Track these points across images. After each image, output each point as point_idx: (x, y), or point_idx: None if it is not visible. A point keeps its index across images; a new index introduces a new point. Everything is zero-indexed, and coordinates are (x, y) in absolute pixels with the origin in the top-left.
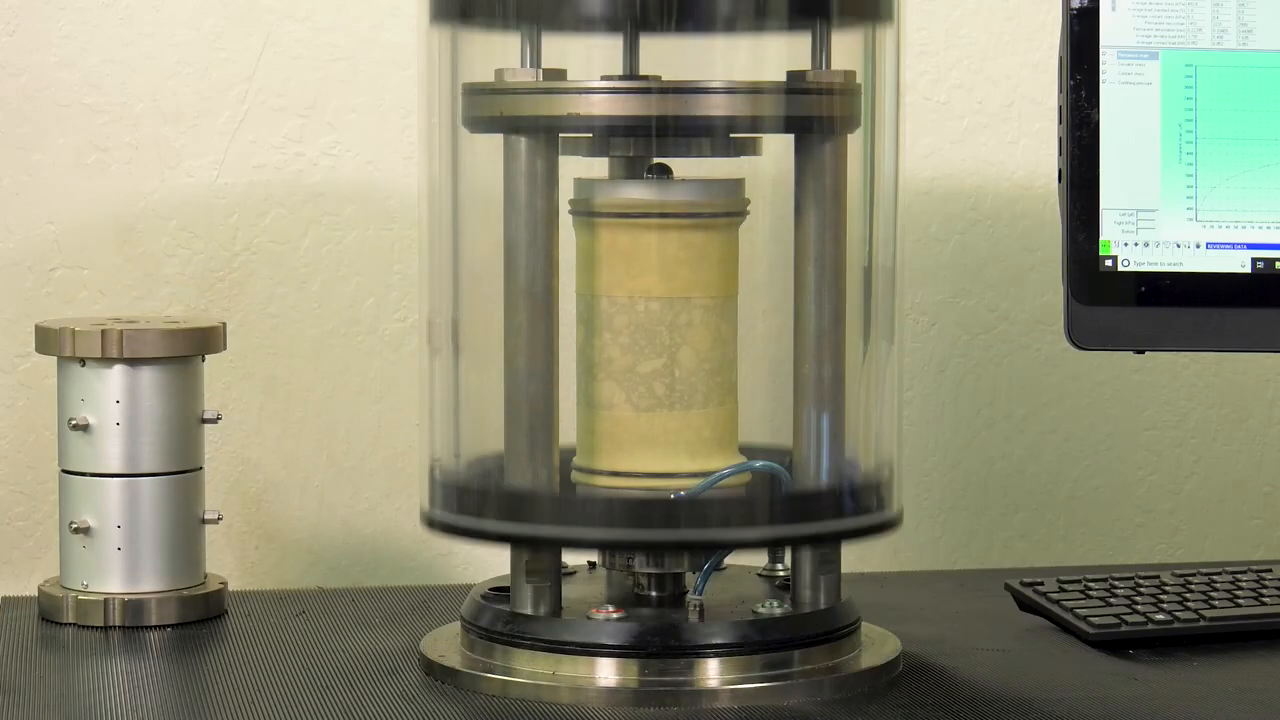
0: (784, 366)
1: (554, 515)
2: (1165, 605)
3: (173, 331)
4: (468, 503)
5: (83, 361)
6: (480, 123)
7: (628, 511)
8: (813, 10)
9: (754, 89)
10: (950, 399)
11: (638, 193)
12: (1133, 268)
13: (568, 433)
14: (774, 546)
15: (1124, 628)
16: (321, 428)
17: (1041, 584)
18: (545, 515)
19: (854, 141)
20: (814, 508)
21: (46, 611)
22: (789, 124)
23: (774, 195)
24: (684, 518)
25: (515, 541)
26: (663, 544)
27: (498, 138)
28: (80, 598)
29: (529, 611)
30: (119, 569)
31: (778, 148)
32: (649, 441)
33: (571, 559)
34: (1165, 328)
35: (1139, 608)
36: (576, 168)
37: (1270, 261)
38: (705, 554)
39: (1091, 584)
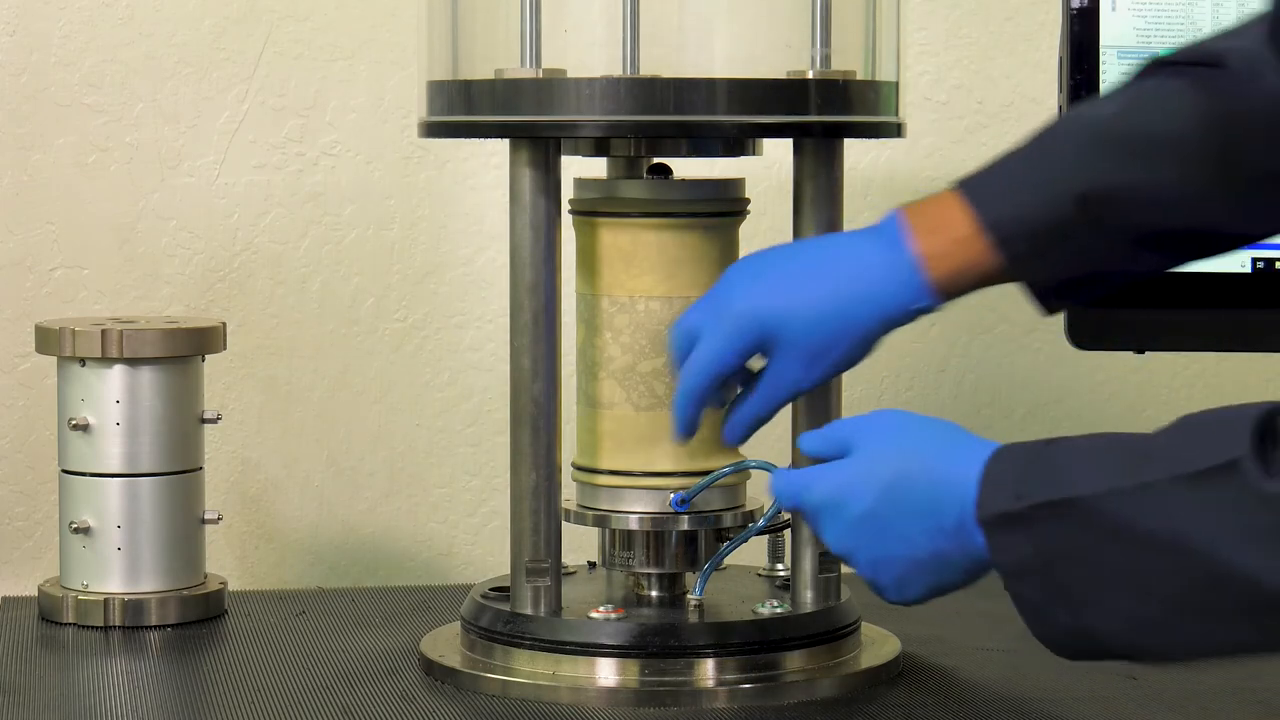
0: None
1: (551, 104)
2: None
3: (173, 331)
4: (465, 101)
5: (83, 361)
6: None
7: (631, 95)
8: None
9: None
10: (950, 399)
11: (637, 193)
12: None
13: (568, 433)
14: (779, 136)
15: None
16: (321, 428)
17: None
18: (543, 104)
19: (853, 141)
20: (813, 101)
21: (46, 611)
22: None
23: (774, 195)
24: (685, 104)
25: (513, 133)
26: (662, 124)
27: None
28: (80, 598)
29: (529, 611)
30: (119, 569)
31: (777, 147)
32: (649, 441)
33: (572, 559)
34: (1165, 328)
35: None
36: (577, 168)
37: (1270, 261)
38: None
39: None
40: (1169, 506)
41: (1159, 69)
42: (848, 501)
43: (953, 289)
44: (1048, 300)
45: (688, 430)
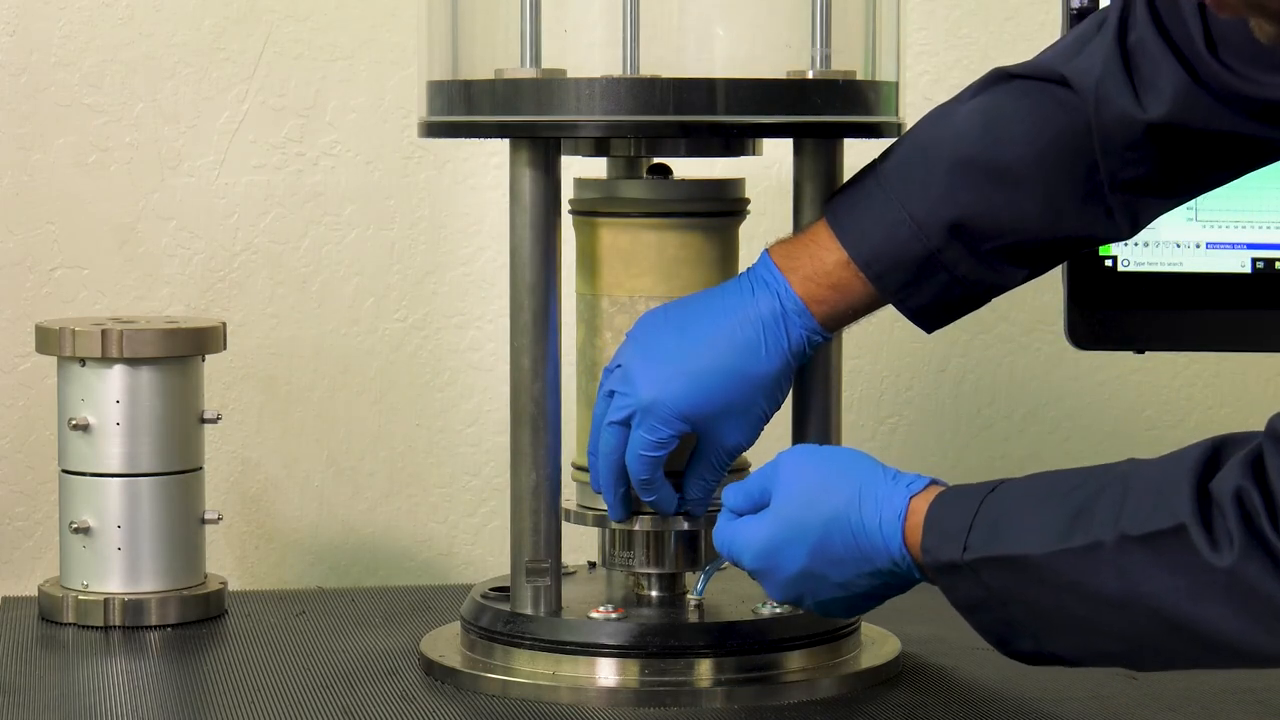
0: None
1: (550, 104)
2: None
3: (173, 331)
4: (465, 101)
5: (83, 361)
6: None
7: (631, 95)
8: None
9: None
10: (950, 399)
11: (637, 193)
12: (1133, 268)
13: (568, 433)
14: (779, 136)
15: None
16: (321, 428)
17: None
18: (543, 104)
19: (853, 141)
20: (813, 101)
21: (46, 611)
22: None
23: (774, 195)
24: (685, 104)
25: (513, 133)
26: (662, 124)
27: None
28: (80, 598)
29: (529, 611)
30: (119, 569)
31: (777, 147)
32: None
33: (572, 564)
34: (1165, 328)
35: None
36: (577, 168)
37: (1270, 261)
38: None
39: None
40: (1120, 566)
41: (1007, 80)
42: (781, 565)
43: (837, 325)
44: (924, 322)
45: (627, 513)
